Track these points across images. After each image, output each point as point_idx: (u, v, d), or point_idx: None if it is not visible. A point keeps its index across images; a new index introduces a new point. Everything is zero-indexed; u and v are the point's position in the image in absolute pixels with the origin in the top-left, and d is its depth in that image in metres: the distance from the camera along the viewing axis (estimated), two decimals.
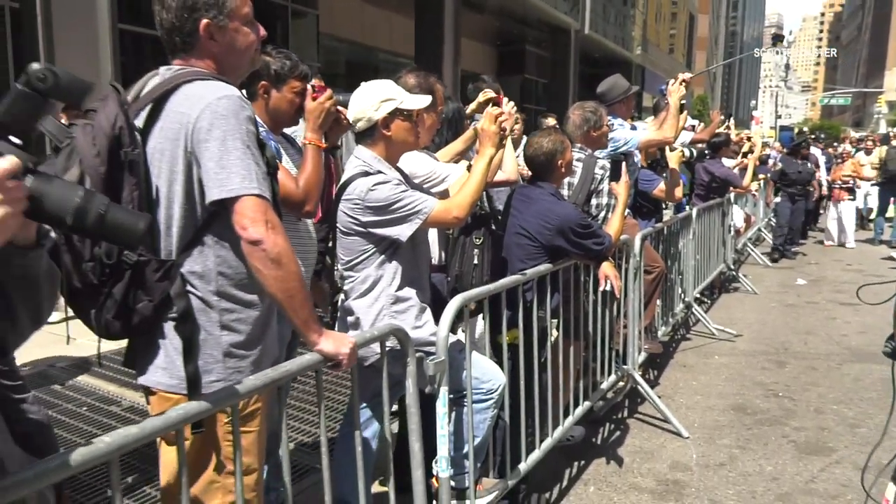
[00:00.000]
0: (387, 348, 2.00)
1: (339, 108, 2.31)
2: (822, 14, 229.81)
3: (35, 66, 1.01)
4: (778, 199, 10.76)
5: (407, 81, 2.60)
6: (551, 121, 6.44)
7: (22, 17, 9.03)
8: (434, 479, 2.26)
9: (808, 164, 10.35)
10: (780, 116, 50.29)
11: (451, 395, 2.21)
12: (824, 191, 12.11)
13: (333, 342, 1.66)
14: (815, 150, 12.65)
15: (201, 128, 1.53)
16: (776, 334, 6.12)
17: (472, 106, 3.09)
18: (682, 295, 5.87)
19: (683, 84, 4.38)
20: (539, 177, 2.91)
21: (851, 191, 11.27)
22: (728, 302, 7.41)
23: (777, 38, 60.64)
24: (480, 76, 4.32)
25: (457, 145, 2.87)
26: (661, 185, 4.58)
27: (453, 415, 2.32)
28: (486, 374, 2.35)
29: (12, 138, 0.97)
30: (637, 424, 4.08)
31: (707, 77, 62.97)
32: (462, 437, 2.34)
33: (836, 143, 17.69)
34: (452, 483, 2.28)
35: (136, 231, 1.07)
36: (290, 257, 1.55)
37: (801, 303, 7.39)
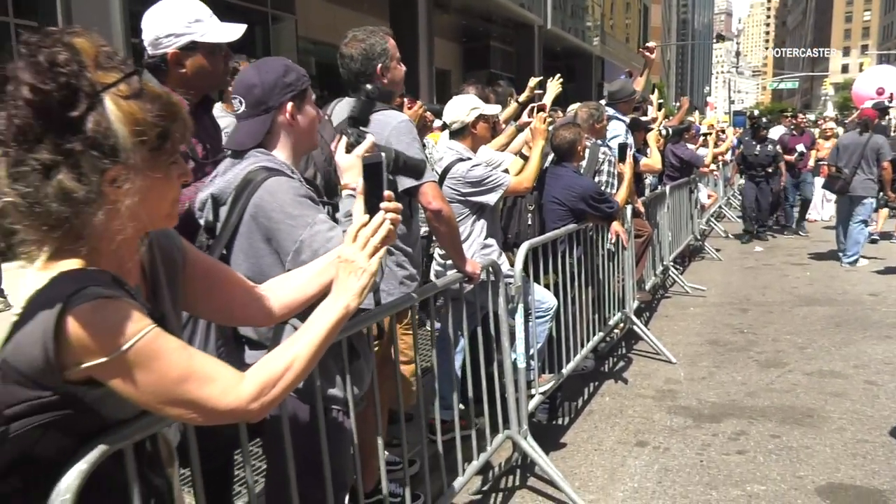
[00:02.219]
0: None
1: (427, 114, 3.28)
2: (769, 0, 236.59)
3: (369, 86, 1.95)
4: (742, 181, 11.12)
5: (469, 91, 3.58)
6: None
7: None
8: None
9: (768, 146, 10.12)
10: (733, 102, 52.40)
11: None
12: (810, 165, 10.95)
13: (472, 266, 2.64)
14: (779, 129, 12.18)
15: (391, 141, 2.44)
16: (739, 289, 7.26)
17: (510, 111, 4.07)
18: (661, 259, 6.95)
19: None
20: (563, 159, 3.92)
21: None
22: (697, 268, 8.55)
23: (719, 38, 63.78)
24: (498, 81, 5.31)
25: (501, 139, 3.87)
26: (645, 161, 5.63)
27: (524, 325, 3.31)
28: (543, 297, 3.35)
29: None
30: (634, 357, 5.12)
31: (662, 66, 65.31)
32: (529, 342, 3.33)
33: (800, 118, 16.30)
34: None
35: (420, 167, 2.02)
36: (453, 219, 2.51)
37: (758, 265, 8.57)
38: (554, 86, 4.54)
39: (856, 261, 8.08)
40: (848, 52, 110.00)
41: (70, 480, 1.11)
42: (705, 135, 9.79)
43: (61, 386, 1.06)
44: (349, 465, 1.94)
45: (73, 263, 1.10)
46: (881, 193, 8.05)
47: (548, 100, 4.29)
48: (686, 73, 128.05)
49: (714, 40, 74.18)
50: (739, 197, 11.60)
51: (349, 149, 1.85)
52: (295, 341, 1.24)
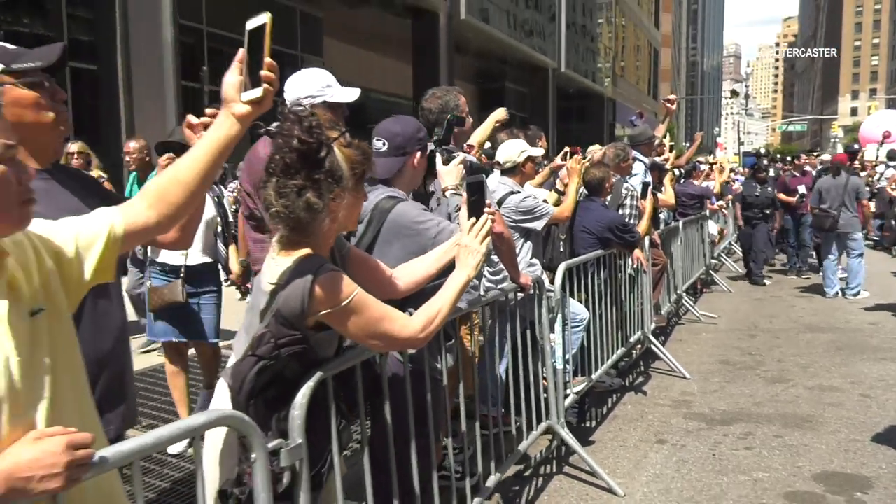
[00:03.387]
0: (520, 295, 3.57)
1: (482, 157, 3.92)
2: (777, 44, 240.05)
3: (451, 115, 2.59)
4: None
5: (503, 137, 4.24)
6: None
7: (100, 79, 10.54)
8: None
9: (768, 188, 10.21)
10: (742, 143, 53.31)
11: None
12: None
13: (524, 279, 3.25)
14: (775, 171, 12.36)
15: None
16: (748, 317, 7.81)
17: (541, 151, 4.71)
18: (675, 288, 7.53)
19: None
20: (593, 194, 4.56)
21: None
22: (708, 298, 9.10)
23: (734, 94, 65.25)
24: (529, 125, 5.99)
25: (538, 179, 4.51)
26: (662, 197, 6.26)
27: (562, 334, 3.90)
28: (578, 310, 3.95)
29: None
30: (652, 373, 5.67)
31: None
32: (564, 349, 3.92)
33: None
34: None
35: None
36: (512, 240, 3.13)
37: (766, 297, 9.12)
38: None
39: (858, 292, 8.63)
40: (857, 96, 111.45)
41: (302, 395, 1.72)
42: (711, 163, 10.59)
43: (304, 329, 1.68)
44: (443, 420, 2.53)
45: (304, 251, 1.73)
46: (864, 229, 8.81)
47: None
48: (696, 114, 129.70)
49: (728, 95, 75.69)
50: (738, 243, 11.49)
51: (445, 162, 2.52)
52: (439, 297, 1.88)
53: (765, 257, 10.41)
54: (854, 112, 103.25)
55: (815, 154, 17.86)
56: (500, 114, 4.02)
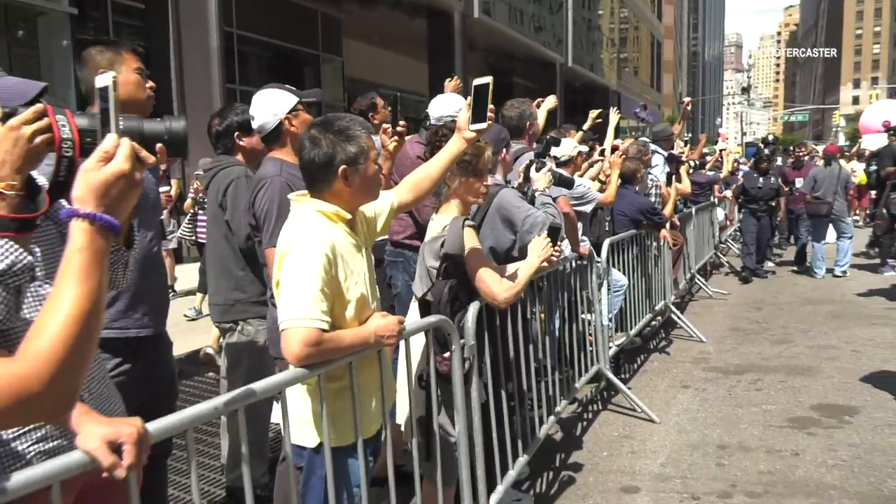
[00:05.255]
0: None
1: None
2: (779, 33, 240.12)
3: (552, 135, 3.48)
4: (741, 216, 10.82)
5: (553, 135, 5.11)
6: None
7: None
8: None
9: (770, 179, 9.84)
10: (745, 134, 54.06)
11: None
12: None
13: (583, 249, 4.12)
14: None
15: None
16: (754, 294, 8.69)
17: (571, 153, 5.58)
18: (689, 268, 8.40)
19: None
20: (627, 182, 5.44)
21: None
22: (717, 279, 9.98)
23: (745, 91, 65.85)
24: (562, 125, 6.86)
25: (592, 172, 5.39)
26: (678, 185, 7.13)
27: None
28: (619, 277, 4.84)
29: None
30: (673, 339, 6.55)
31: (674, 98, 67.68)
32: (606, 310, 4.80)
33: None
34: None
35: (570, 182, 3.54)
36: (575, 218, 4.01)
37: (771, 277, 9.98)
38: (613, 117, 6.11)
39: (846, 271, 9.57)
40: (858, 85, 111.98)
41: (472, 312, 2.60)
42: (721, 150, 11.40)
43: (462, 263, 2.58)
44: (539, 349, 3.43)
45: (453, 213, 2.62)
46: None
47: (611, 128, 5.90)
48: (697, 104, 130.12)
49: (738, 92, 76.42)
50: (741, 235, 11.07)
51: (537, 170, 3.39)
52: (519, 273, 2.76)
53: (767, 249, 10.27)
54: (856, 101, 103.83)
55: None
56: (551, 102, 4.92)
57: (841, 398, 4.70)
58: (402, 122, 3.68)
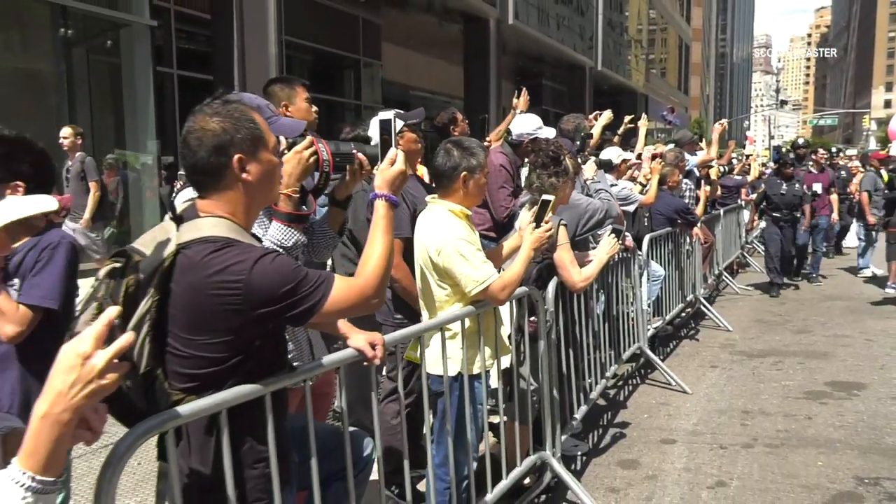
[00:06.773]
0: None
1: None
2: (809, 35, 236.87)
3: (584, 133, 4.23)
4: (763, 225, 10.34)
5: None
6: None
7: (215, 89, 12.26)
8: None
9: (795, 185, 8.96)
10: (773, 137, 54.02)
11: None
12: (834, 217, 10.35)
13: (628, 241, 4.85)
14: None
15: None
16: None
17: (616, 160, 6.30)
18: (717, 264, 9.05)
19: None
20: (662, 184, 6.14)
21: None
22: (743, 277, 10.60)
23: (783, 104, 65.36)
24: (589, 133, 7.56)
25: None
26: (708, 188, 7.83)
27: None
28: (656, 268, 5.55)
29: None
30: (701, 328, 7.23)
31: (701, 100, 67.86)
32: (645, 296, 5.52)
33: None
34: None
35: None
36: (622, 216, 4.75)
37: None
38: (644, 123, 6.85)
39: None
40: (891, 88, 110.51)
41: (551, 288, 3.36)
42: (748, 155, 11.96)
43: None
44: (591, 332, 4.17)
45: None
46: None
47: (642, 133, 6.63)
48: (724, 106, 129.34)
49: (778, 105, 75.75)
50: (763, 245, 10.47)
51: (583, 163, 4.15)
52: (592, 265, 3.49)
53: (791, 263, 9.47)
54: (888, 104, 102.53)
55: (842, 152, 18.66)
56: (607, 116, 5.66)
57: (852, 377, 5.37)
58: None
